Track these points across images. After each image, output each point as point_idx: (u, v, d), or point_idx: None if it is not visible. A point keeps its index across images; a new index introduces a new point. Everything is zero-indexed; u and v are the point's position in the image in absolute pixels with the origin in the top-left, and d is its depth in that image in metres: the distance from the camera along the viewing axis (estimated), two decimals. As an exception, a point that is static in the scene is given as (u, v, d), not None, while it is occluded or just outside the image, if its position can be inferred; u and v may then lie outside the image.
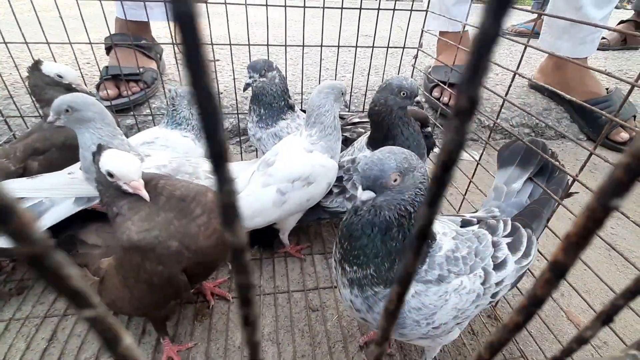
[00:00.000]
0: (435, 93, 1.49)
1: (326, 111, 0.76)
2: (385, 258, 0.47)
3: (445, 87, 1.24)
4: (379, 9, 1.10)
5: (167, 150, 0.85)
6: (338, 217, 0.86)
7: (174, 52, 1.10)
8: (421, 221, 0.12)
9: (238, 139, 1.36)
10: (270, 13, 0.98)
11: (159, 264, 0.52)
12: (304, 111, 1.00)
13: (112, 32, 1.29)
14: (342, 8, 1.00)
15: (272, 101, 0.87)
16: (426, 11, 1.27)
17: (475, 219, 0.61)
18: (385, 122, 0.74)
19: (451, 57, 1.48)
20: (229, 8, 0.98)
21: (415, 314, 0.49)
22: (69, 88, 0.89)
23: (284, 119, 0.89)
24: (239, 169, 0.91)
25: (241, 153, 1.31)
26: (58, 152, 0.86)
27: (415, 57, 1.26)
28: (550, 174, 0.67)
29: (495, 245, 0.55)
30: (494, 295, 0.54)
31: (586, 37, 1.43)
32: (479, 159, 0.86)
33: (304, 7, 0.96)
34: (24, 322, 0.72)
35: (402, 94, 0.72)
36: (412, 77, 1.50)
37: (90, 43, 1.09)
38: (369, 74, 1.24)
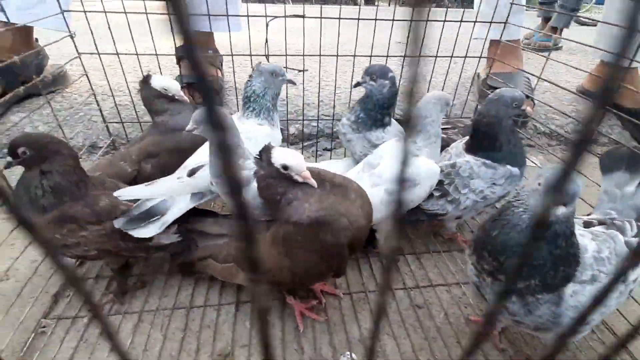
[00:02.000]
0: (493, 100, 1.52)
1: (432, 121, 0.81)
2: (551, 267, 0.51)
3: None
4: (444, 20, 1.15)
5: (251, 142, 0.88)
6: (435, 219, 0.90)
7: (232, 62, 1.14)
8: None
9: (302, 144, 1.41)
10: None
11: (332, 236, 0.60)
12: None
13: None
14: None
15: (373, 108, 0.91)
16: (490, 22, 1.32)
17: (595, 220, 0.65)
18: (494, 131, 0.78)
19: (504, 66, 1.53)
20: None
21: (572, 311, 0.53)
22: (173, 99, 0.95)
23: (377, 129, 0.93)
24: (336, 168, 0.96)
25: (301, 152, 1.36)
26: (168, 156, 0.92)
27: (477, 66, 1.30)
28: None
29: (628, 245, 0.58)
30: (630, 292, 0.57)
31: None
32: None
33: (375, 19, 1.00)
34: (155, 313, 0.77)
35: (514, 105, 0.76)
36: (472, 85, 1.55)
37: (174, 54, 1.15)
38: (445, 82, 1.29)
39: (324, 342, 0.73)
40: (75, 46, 0.99)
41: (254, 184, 0.70)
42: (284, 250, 0.63)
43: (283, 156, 0.61)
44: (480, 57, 1.40)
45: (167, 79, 0.95)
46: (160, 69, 1.27)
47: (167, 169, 0.89)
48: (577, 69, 1.27)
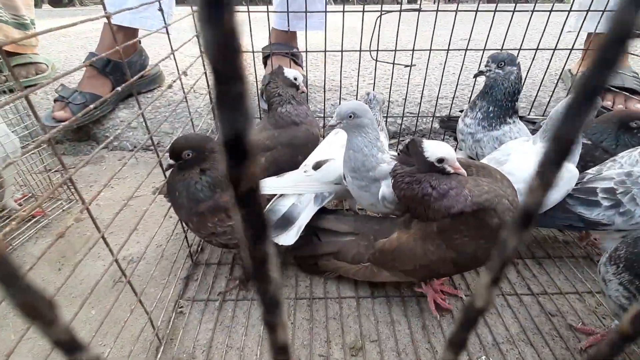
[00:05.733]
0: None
1: None
2: None
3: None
4: (551, 10, 1.08)
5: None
6: (594, 229, 0.80)
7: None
8: None
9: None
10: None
11: (499, 218, 0.58)
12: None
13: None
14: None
15: (502, 99, 0.87)
16: (587, 10, 1.20)
17: None
18: None
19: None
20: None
21: None
22: (297, 87, 1.00)
23: (507, 123, 0.89)
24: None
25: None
26: (282, 150, 0.95)
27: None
28: None
29: None
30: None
31: None
32: None
33: (476, 10, 0.96)
34: (279, 302, 0.79)
35: None
36: (560, 81, 1.43)
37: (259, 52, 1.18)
38: (543, 78, 1.21)
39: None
40: (200, 46, 1.05)
41: (389, 181, 0.70)
42: (444, 243, 0.62)
43: (438, 149, 0.59)
44: (571, 49, 1.27)
45: (295, 71, 0.99)
46: (255, 66, 1.32)
47: (279, 162, 0.93)
48: None
